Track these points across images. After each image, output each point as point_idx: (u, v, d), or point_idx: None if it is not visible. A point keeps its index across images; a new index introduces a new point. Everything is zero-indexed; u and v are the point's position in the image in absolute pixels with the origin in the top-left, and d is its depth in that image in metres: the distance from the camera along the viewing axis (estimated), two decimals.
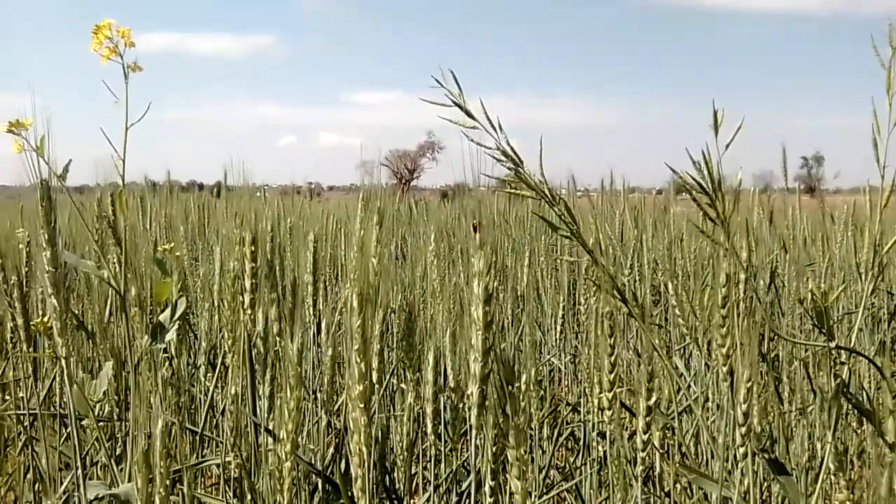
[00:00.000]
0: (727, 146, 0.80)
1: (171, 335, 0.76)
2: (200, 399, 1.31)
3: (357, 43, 74.84)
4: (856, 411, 1.46)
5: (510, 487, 0.53)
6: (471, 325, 0.53)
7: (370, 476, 0.54)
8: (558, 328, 1.59)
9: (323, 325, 1.13)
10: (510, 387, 0.52)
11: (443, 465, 1.05)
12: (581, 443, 1.33)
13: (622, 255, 1.86)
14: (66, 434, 1.16)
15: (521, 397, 0.54)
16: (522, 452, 0.51)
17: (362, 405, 0.51)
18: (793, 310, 1.52)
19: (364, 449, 0.51)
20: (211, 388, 1.05)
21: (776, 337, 1.31)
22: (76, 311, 1.33)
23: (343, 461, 0.99)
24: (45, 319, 0.76)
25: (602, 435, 1.26)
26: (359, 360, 0.51)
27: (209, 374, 1.07)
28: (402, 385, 1.15)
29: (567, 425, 1.44)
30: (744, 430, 0.63)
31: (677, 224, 2.14)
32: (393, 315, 1.27)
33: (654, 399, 0.67)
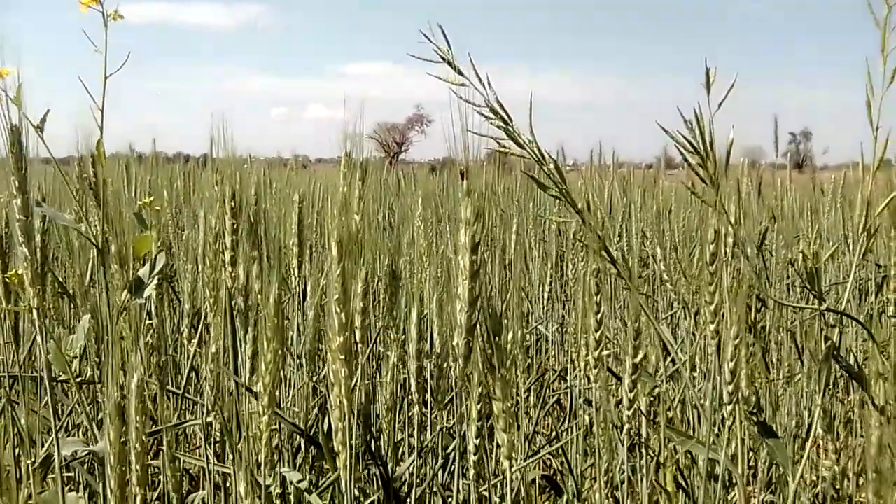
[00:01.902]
0: (720, 105, 0.79)
1: (150, 290, 0.74)
2: (183, 365, 1.29)
3: (345, 14, 74.26)
4: (842, 381, 1.46)
5: (496, 441, 0.52)
6: (457, 275, 0.51)
7: (352, 432, 0.53)
8: (545, 296, 1.58)
9: (308, 289, 1.12)
10: (497, 338, 0.51)
11: (428, 432, 1.04)
12: (567, 410, 1.33)
13: (610, 224, 1.85)
14: (46, 398, 1.14)
15: (507, 350, 0.53)
16: (509, 405, 0.50)
17: (343, 357, 0.50)
18: (781, 278, 1.52)
19: (345, 402, 0.50)
20: (192, 352, 1.04)
21: (763, 307, 1.31)
22: (59, 278, 1.31)
23: (326, 421, 0.98)
24: (19, 271, 0.75)
25: (588, 402, 1.26)
26: (339, 309, 0.50)
27: (193, 339, 1.06)
28: (389, 353, 1.14)
29: (553, 393, 1.44)
30: (731, 387, 0.62)
31: (666, 196, 2.13)
32: (379, 283, 1.26)
33: (640, 357, 0.66)
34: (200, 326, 0.95)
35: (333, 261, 0.50)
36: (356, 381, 0.65)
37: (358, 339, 0.70)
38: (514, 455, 0.53)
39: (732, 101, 0.78)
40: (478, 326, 0.54)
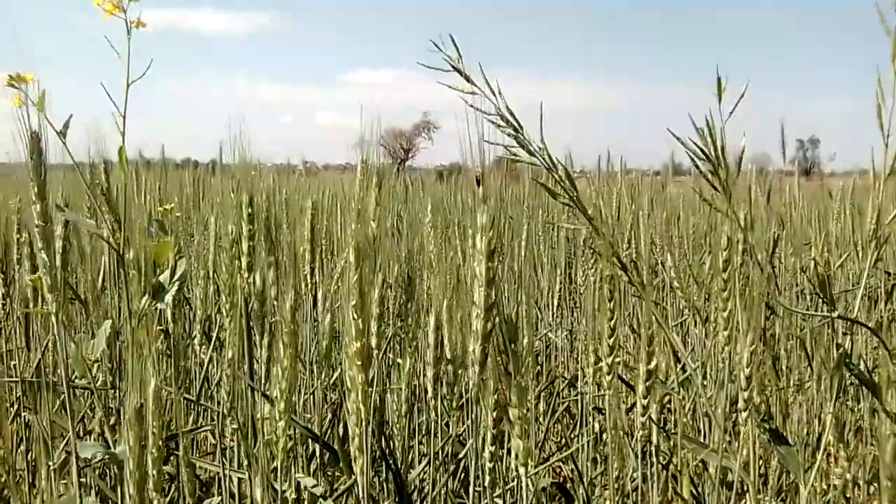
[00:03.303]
0: (731, 113, 0.79)
1: (170, 296, 0.74)
2: (196, 371, 1.30)
3: (353, 21, 74.44)
4: (852, 388, 1.46)
5: (512, 448, 0.52)
6: (473, 281, 0.52)
7: (368, 438, 0.53)
8: (555, 302, 1.58)
9: (320, 295, 1.12)
10: (513, 345, 0.52)
11: (439, 439, 1.04)
12: (577, 418, 1.33)
13: (619, 231, 1.85)
14: (59, 403, 1.15)
15: (522, 357, 0.53)
16: (524, 412, 0.50)
17: (360, 363, 0.50)
18: (790, 286, 1.52)
19: (362, 407, 0.50)
20: (206, 359, 1.04)
21: (772, 314, 1.30)
22: (71, 284, 1.32)
23: (341, 426, 0.98)
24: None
25: (598, 409, 1.26)
26: (356, 315, 0.50)
27: (204, 346, 1.06)
28: (399, 360, 1.15)
29: (563, 399, 1.44)
30: (746, 394, 0.62)
31: (674, 203, 2.13)
32: (389, 291, 1.27)
33: (653, 363, 0.67)
34: (215, 333, 0.96)
35: (351, 267, 0.50)
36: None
37: (373, 346, 0.71)
38: (528, 462, 0.53)
39: (739, 107, 0.78)
40: (492, 333, 0.54)
